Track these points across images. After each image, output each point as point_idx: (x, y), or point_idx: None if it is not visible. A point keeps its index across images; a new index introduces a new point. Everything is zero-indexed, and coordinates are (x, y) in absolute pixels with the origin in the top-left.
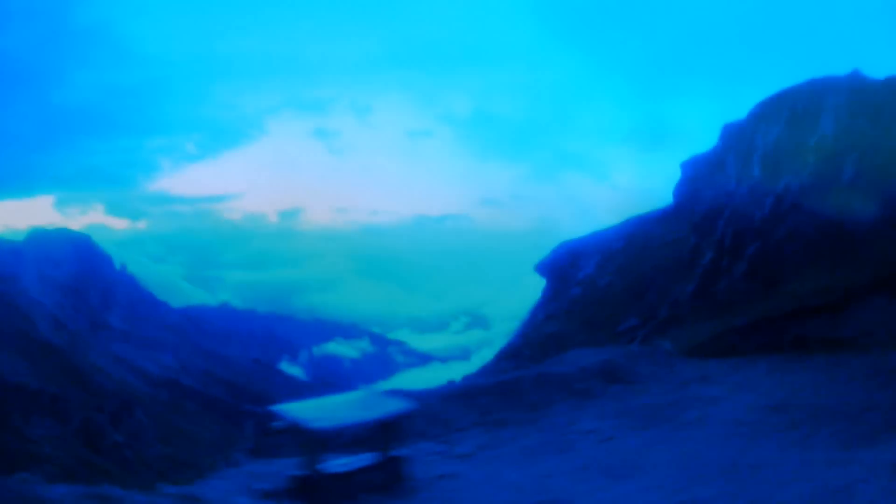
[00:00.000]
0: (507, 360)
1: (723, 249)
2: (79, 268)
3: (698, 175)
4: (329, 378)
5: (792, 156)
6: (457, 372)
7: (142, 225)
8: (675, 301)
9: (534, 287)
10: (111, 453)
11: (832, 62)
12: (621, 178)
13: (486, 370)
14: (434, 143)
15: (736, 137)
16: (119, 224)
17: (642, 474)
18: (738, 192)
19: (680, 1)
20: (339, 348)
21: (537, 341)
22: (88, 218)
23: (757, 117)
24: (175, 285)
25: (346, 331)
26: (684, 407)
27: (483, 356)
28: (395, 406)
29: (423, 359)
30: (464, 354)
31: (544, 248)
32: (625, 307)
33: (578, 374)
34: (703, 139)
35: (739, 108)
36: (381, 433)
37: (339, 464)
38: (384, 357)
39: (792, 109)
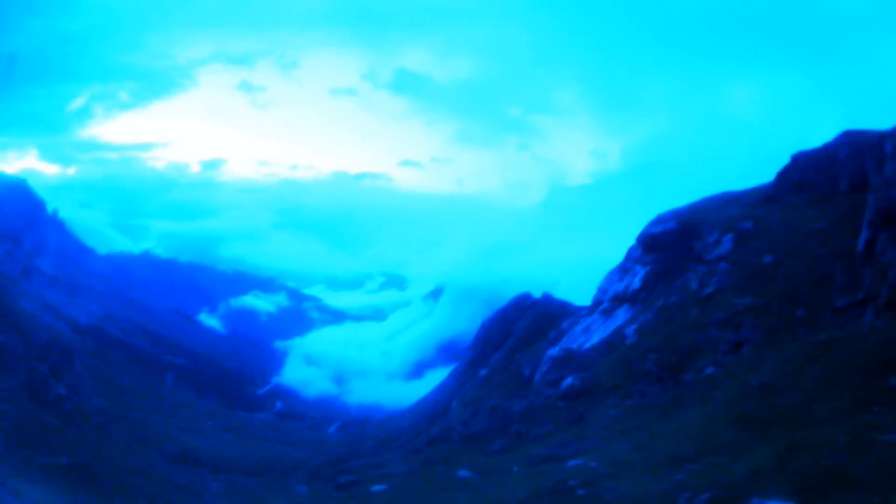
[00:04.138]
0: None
1: None
2: (14, 212)
3: (809, 167)
4: (245, 331)
5: None
6: (371, 332)
7: (72, 171)
8: (892, 284)
9: (455, 251)
10: (55, 407)
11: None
12: (545, 148)
13: None
14: (357, 102)
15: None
16: (51, 169)
17: None
18: None
19: None
20: (256, 301)
21: (727, 316)
22: (23, 163)
23: None
24: (101, 232)
25: (264, 284)
26: None
27: (400, 317)
28: None
29: (338, 316)
30: (378, 314)
31: (463, 213)
32: (815, 286)
33: None
34: (658, 117)
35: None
36: None
37: None
38: (299, 312)
39: None
